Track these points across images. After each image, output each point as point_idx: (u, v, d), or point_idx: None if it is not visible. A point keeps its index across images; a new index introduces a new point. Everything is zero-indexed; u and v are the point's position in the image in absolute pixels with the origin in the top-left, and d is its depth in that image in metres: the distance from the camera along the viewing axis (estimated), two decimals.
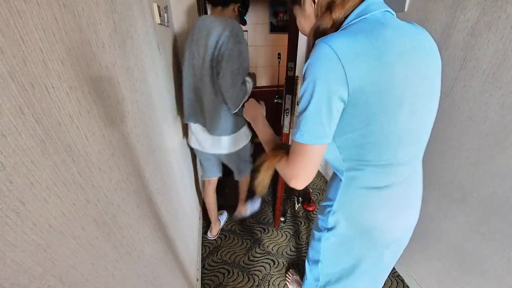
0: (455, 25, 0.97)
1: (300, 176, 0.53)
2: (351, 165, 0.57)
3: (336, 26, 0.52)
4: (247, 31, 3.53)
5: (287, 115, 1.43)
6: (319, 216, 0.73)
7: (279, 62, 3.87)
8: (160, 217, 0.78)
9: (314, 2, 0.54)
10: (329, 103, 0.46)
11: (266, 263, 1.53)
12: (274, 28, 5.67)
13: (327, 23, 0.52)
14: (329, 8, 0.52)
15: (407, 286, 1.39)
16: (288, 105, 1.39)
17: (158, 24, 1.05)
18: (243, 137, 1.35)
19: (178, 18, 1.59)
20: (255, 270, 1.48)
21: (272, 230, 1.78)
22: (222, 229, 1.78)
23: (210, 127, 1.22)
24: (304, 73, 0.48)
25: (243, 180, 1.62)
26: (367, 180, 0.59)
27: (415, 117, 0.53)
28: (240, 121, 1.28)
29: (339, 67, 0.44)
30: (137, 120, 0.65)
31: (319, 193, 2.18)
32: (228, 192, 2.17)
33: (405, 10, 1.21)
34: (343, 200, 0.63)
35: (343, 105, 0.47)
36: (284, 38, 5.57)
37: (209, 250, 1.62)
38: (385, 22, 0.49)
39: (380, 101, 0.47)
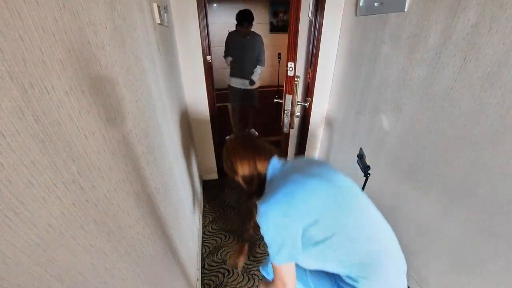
0: (455, 25, 0.97)
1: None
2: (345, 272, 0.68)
3: (261, 184, 0.78)
4: None
5: (287, 115, 1.43)
6: None
7: (279, 62, 3.88)
8: (160, 217, 0.78)
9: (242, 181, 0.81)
10: (297, 236, 0.63)
11: None
12: (274, 28, 5.70)
13: (254, 187, 0.80)
14: (251, 182, 0.79)
15: (407, 286, 1.39)
16: (288, 105, 1.39)
17: (158, 24, 1.05)
18: (258, 82, 2.82)
19: (178, 18, 1.59)
20: (255, 270, 1.48)
21: None
22: (222, 229, 1.78)
23: (248, 75, 2.68)
24: (265, 231, 0.64)
25: (254, 110, 3.07)
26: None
27: (360, 215, 0.68)
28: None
29: (292, 212, 0.62)
30: (137, 120, 0.65)
31: None
32: (227, 191, 2.17)
33: (405, 10, 1.21)
34: None
35: (303, 232, 0.63)
36: (284, 38, 5.58)
37: (209, 250, 1.62)
38: (286, 169, 0.74)
39: (331, 215, 0.63)
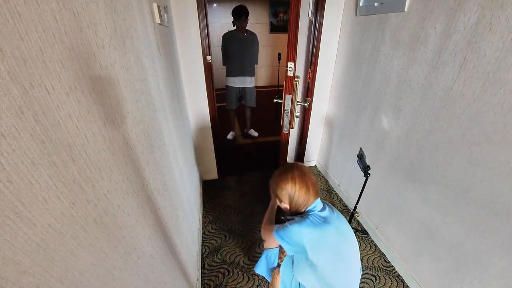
0: (455, 25, 0.97)
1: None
2: None
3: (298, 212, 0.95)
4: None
5: (287, 115, 1.43)
6: None
7: (279, 62, 3.88)
8: (160, 217, 0.78)
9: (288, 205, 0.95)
10: (298, 248, 0.87)
11: None
12: (274, 28, 5.72)
13: (292, 213, 0.95)
14: (297, 210, 0.94)
15: (407, 286, 1.39)
16: (288, 105, 1.39)
17: (158, 24, 1.05)
18: (254, 81, 2.82)
19: (178, 18, 1.59)
20: None
21: None
22: (222, 229, 1.78)
23: (248, 72, 2.69)
24: (289, 230, 0.87)
25: (252, 110, 3.04)
26: None
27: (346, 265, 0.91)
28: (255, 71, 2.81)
29: (307, 239, 0.84)
30: (137, 120, 0.65)
31: (320, 193, 2.18)
32: (227, 192, 2.17)
33: (405, 10, 1.21)
34: None
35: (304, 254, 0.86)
36: (284, 38, 5.58)
37: (209, 250, 1.62)
38: (325, 216, 0.89)
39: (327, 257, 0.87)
